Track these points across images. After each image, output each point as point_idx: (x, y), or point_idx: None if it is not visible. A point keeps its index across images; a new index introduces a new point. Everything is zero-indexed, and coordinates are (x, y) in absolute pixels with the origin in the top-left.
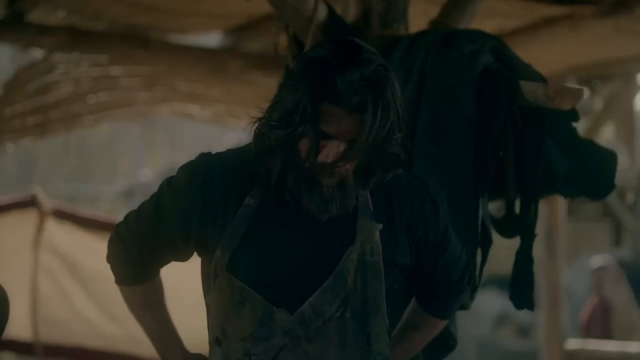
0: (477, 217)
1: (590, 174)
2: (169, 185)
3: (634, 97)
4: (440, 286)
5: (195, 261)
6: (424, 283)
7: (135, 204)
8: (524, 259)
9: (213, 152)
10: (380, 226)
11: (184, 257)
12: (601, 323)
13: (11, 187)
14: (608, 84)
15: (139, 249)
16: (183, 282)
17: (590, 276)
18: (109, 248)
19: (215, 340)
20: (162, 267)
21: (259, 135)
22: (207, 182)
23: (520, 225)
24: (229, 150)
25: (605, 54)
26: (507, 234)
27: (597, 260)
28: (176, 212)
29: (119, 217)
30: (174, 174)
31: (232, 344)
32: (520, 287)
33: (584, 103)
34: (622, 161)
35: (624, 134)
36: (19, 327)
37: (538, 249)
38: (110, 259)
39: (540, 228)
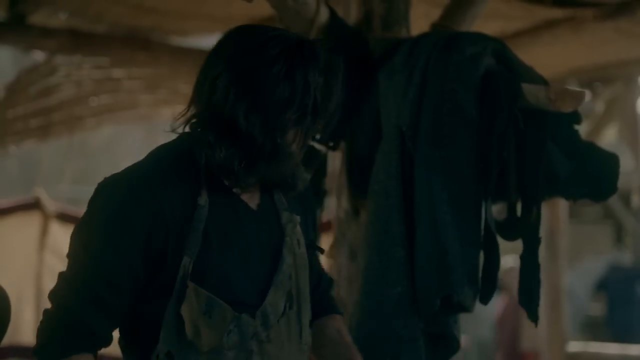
0: (479, 220)
1: (592, 176)
2: (91, 226)
3: (637, 100)
4: (326, 281)
5: None
6: (316, 284)
7: None
8: (530, 264)
9: (113, 176)
10: (299, 219)
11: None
12: (512, 320)
13: (13, 190)
14: (609, 86)
15: (78, 309)
16: None
17: (504, 277)
18: (37, 336)
19: (166, 355)
20: (108, 330)
21: (219, 136)
22: (154, 197)
23: (522, 228)
24: (140, 164)
25: (607, 57)
26: (508, 236)
27: (508, 261)
28: (126, 241)
29: None
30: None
31: (190, 356)
32: (529, 295)
33: (586, 106)
34: (626, 163)
35: (628, 137)
36: (23, 331)
37: (539, 251)
38: (40, 341)
39: (541, 230)
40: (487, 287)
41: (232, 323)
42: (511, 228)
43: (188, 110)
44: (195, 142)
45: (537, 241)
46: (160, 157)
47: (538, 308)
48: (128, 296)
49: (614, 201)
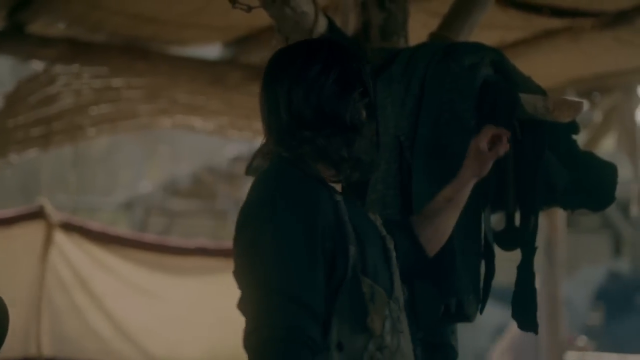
0: (479, 229)
1: (590, 186)
2: (270, 246)
3: (636, 109)
4: None
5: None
6: None
7: (134, 216)
8: (525, 273)
9: (254, 202)
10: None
11: None
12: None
13: (11, 200)
14: (607, 96)
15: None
16: (205, 300)
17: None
18: None
19: (337, 346)
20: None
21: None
22: (312, 201)
23: (520, 238)
24: (269, 185)
25: (606, 66)
26: (506, 246)
27: None
28: (313, 248)
29: (121, 229)
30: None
31: (358, 344)
32: (523, 305)
33: (584, 115)
34: (625, 173)
35: (627, 147)
36: (30, 343)
37: (537, 261)
38: None
39: (539, 240)
40: (484, 296)
41: (387, 308)
42: (509, 238)
43: (268, 136)
44: (295, 153)
45: (533, 250)
46: (278, 174)
47: (535, 317)
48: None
49: (611, 210)
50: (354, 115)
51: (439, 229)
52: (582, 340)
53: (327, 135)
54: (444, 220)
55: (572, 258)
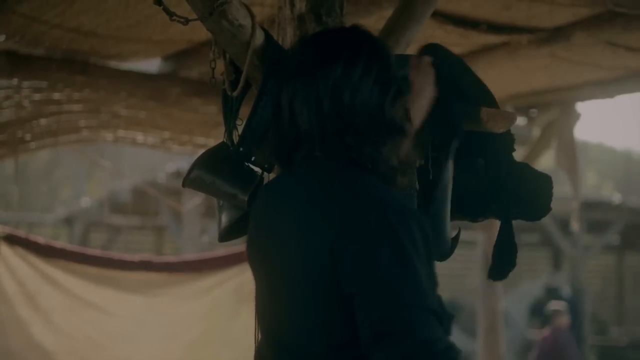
0: None
1: (526, 197)
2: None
3: (574, 125)
4: None
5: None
6: None
7: (75, 231)
8: (506, 234)
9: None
10: None
11: None
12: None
13: None
14: (545, 112)
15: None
16: (150, 314)
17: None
18: None
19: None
20: None
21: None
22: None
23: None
24: (379, 195)
25: (543, 82)
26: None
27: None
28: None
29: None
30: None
31: None
32: (502, 257)
33: (522, 132)
34: (564, 190)
35: (565, 163)
36: None
37: (476, 276)
38: None
39: (478, 255)
40: None
41: None
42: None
43: (305, 137)
44: (356, 161)
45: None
46: (371, 185)
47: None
48: None
49: (551, 227)
50: (401, 117)
51: None
52: None
53: (374, 143)
54: None
55: (511, 273)
